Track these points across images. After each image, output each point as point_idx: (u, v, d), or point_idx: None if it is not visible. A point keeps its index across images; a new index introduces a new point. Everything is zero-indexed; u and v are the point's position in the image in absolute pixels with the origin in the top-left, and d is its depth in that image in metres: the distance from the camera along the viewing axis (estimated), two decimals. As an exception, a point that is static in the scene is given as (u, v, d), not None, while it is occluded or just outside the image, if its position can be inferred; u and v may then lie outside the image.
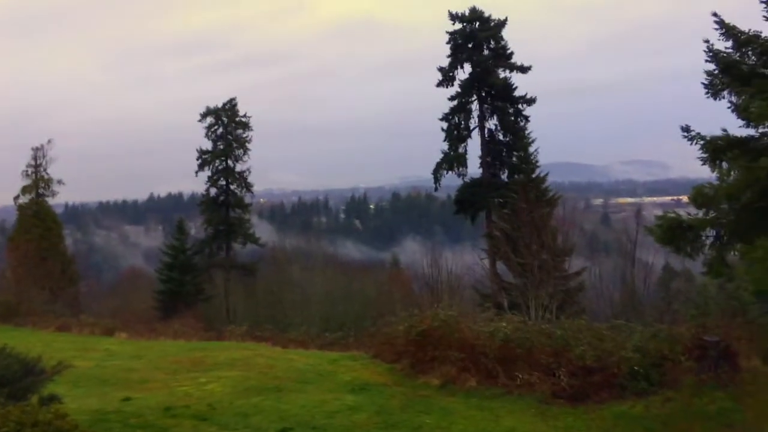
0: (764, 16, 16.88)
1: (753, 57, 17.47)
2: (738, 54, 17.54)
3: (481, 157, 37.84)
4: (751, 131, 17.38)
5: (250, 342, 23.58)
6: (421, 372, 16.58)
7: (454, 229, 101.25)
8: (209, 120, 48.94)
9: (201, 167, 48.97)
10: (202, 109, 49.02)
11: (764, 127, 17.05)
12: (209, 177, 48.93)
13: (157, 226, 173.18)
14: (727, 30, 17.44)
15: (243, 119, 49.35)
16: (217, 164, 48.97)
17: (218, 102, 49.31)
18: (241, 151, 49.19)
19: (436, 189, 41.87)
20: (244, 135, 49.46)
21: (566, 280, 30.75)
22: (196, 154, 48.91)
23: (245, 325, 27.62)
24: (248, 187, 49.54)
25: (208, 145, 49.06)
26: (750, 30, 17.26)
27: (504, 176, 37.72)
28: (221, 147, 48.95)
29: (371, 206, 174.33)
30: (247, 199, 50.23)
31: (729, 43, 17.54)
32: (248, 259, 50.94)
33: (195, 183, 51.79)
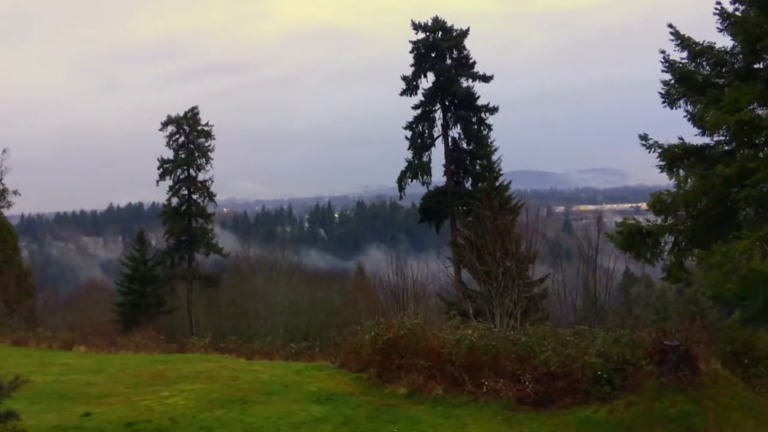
0: (718, 28, 17.41)
1: (707, 67, 18.00)
2: (693, 64, 18.06)
3: (445, 166, 38.08)
4: (706, 140, 17.88)
5: (214, 354, 23.21)
6: (388, 381, 16.54)
7: (418, 237, 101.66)
8: (171, 129, 48.27)
9: (162, 177, 48.21)
10: (164, 118, 48.39)
11: (719, 136, 17.55)
12: (171, 186, 48.20)
13: (116, 237, 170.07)
14: (683, 41, 17.94)
15: (205, 128, 48.82)
16: (178, 173, 48.29)
17: (180, 110, 48.76)
18: (204, 160, 48.60)
19: (400, 198, 41.95)
20: (207, 144, 48.91)
21: (530, 287, 31.04)
22: (157, 164, 48.20)
23: (208, 336, 27.15)
24: (211, 196, 48.94)
25: (169, 154, 48.44)
26: (704, 41, 17.81)
27: (468, 184, 38.01)
28: (183, 156, 48.29)
29: (336, 215, 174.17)
30: (210, 209, 49.63)
31: (684, 54, 18.06)
32: (211, 270, 50.26)
33: (156, 193, 51.27)
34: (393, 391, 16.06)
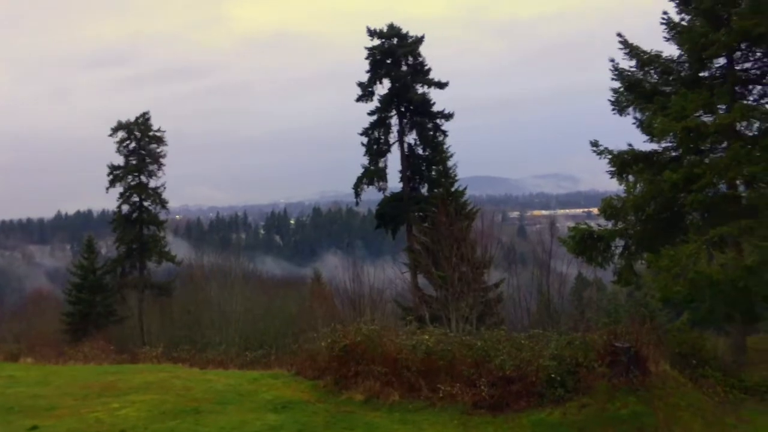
0: (665, 37, 17.95)
1: (655, 75, 18.54)
2: (641, 73, 18.58)
3: (401, 172, 38.19)
4: (654, 146, 18.41)
5: (167, 364, 22.70)
6: (345, 388, 16.44)
7: (375, 243, 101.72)
8: (121, 134, 47.22)
9: (112, 183, 47.11)
10: (114, 123, 47.32)
11: (666, 142, 18.07)
12: (121, 193, 47.12)
13: (64, 246, 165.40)
14: (631, 50, 18.43)
15: (157, 133, 47.91)
16: (129, 180, 47.24)
17: (131, 116, 47.76)
18: (156, 166, 47.68)
19: (357, 204, 41.90)
20: (159, 150, 47.99)
21: (485, 292, 31.31)
22: (107, 170, 47.08)
23: (161, 346, 26.55)
24: (163, 203, 48.01)
25: (120, 160, 47.35)
26: (652, 50, 18.34)
27: (424, 190, 38.16)
28: (134, 162, 47.29)
29: (291, 221, 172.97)
30: (162, 216, 48.64)
31: (633, 63, 18.57)
32: (163, 278, 49.26)
33: (106, 200, 50.06)
34: (350, 398, 15.96)
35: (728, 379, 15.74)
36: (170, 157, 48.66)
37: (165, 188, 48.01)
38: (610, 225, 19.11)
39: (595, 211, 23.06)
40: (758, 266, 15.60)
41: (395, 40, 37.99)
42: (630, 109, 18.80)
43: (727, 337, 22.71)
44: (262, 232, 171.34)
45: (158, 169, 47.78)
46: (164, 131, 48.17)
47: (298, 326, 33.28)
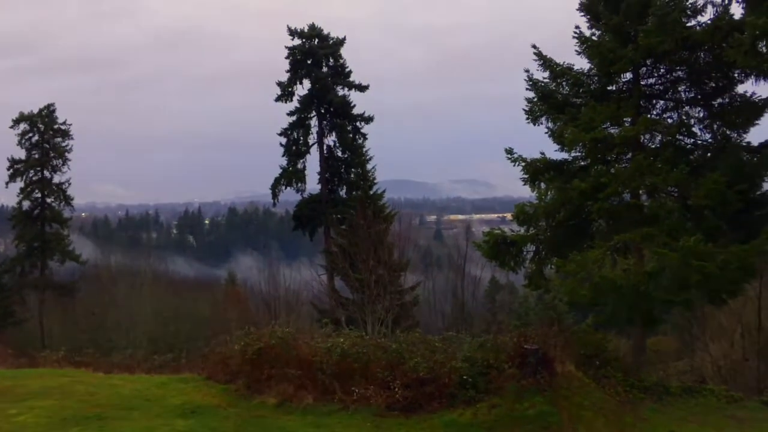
0: (576, 51, 18.66)
1: (566, 87, 19.24)
2: (554, 84, 19.23)
3: (319, 173, 38.04)
4: (565, 155, 19.10)
5: (69, 368, 21.53)
6: (257, 391, 16.14)
7: (292, 245, 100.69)
8: (23, 127, 44.75)
9: (12, 178, 44.62)
10: (15, 115, 44.74)
11: (576, 152, 18.80)
12: (22, 189, 44.68)
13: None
14: (545, 62, 19.06)
15: (62, 127, 45.67)
16: (31, 175, 44.86)
17: (34, 108, 45.29)
18: (60, 161, 45.44)
19: (274, 204, 41.41)
20: (64, 144, 45.78)
21: (402, 295, 31.61)
22: (7, 164, 44.51)
23: (63, 350, 25.20)
24: (67, 200, 45.82)
25: (21, 153, 44.86)
26: (564, 62, 19.03)
27: (342, 192, 38.18)
28: (36, 156, 44.92)
29: (206, 221, 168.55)
30: (66, 213, 46.43)
31: (546, 74, 19.19)
32: (67, 278, 46.98)
33: (5, 195, 47.13)
34: (262, 402, 15.68)
35: (629, 379, 16.50)
36: (76, 152, 46.50)
37: (70, 184, 45.88)
38: (522, 230, 19.66)
39: (509, 216, 23.73)
40: (657, 272, 16.45)
41: (316, 41, 37.86)
42: (543, 119, 19.40)
43: (628, 339, 23.89)
44: (174, 231, 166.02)
45: (63, 164, 45.62)
46: (70, 125, 46.04)
47: (211, 329, 32.46)
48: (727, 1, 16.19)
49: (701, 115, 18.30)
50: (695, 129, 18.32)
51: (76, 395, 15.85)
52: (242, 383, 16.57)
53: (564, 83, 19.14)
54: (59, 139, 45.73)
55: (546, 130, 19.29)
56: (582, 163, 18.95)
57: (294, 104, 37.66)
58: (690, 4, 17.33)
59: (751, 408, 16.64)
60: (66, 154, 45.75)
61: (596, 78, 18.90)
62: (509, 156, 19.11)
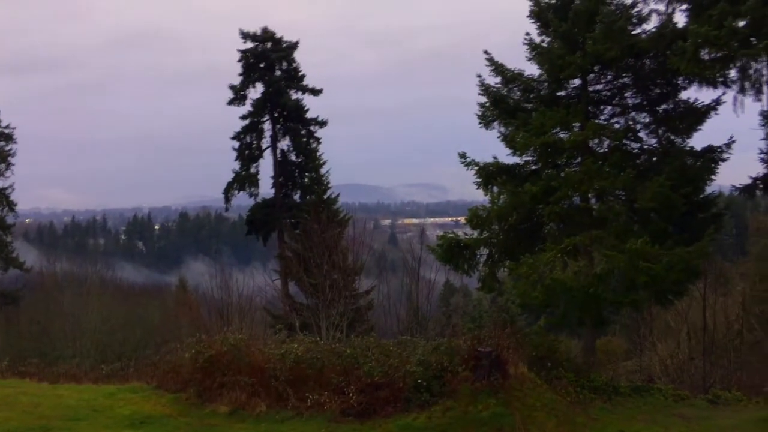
0: (527, 57, 18.95)
1: (518, 93, 19.52)
2: (506, 89, 19.48)
3: (273, 178, 37.66)
4: (516, 159, 19.35)
5: (12, 379, 20.78)
6: (209, 400, 15.85)
7: (245, 250, 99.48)
8: (-37, 129, 43.02)
9: (-49, 182, 42.81)
10: (-46, 116, 42.95)
11: (527, 156, 19.07)
12: (-38, 194, 42.90)
13: None
14: (496, 67, 19.30)
15: (5, 130, 43.98)
16: (-29, 179, 43.12)
17: (-26, 109, 43.56)
18: (3, 165, 43.75)
19: (226, 209, 40.75)
20: (7, 148, 44.04)
21: (356, 299, 31.48)
22: (-53, 168, 42.68)
23: (6, 360, 24.32)
24: (11, 205, 44.15)
25: (-39, 157, 43.05)
26: (515, 68, 19.30)
27: (296, 197, 37.86)
28: (-23, 160, 43.22)
29: (156, 227, 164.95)
30: (10, 219, 44.68)
31: (498, 79, 19.43)
32: (10, 286, 45.27)
33: (-57, 200, 44.98)
34: (214, 411, 15.41)
35: (579, 379, 16.79)
36: (21, 156, 44.85)
37: (14, 189, 44.21)
38: (475, 234, 19.83)
39: (462, 220, 23.92)
40: (606, 273, 16.78)
41: (269, 44, 37.48)
42: (495, 124, 19.62)
43: (579, 340, 24.33)
44: (123, 237, 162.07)
45: (6, 169, 43.86)
46: (14, 128, 44.38)
47: (161, 337, 31.77)
48: (670, 10, 16.67)
49: (647, 120, 18.79)
50: (641, 134, 18.81)
51: (19, 406, 15.34)
52: (193, 392, 16.25)
53: (515, 89, 19.41)
54: (2, 143, 44.07)
55: (498, 135, 19.52)
56: (533, 167, 19.23)
57: (247, 108, 37.20)
58: (635, 12, 17.80)
59: (697, 406, 17.14)
60: (9, 158, 44.14)
61: (546, 84, 19.22)
62: (463, 160, 19.27)
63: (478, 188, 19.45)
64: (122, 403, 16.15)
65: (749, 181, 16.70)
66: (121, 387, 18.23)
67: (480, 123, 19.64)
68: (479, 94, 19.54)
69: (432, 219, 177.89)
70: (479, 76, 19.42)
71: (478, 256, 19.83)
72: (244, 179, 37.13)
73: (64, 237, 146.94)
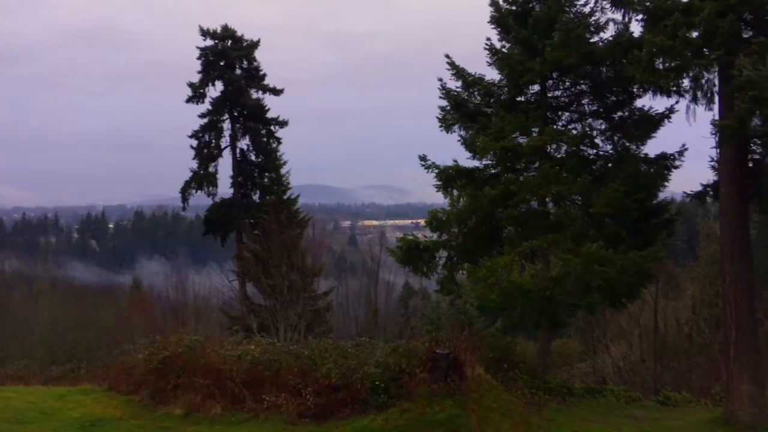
0: (487, 62, 19.14)
1: (478, 97, 19.68)
2: (466, 93, 19.62)
3: (232, 177, 37.20)
4: (476, 163, 19.50)
5: (-44, 381, 20.12)
6: (162, 402, 15.58)
7: (202, 250, 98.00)
8: None
9: None
10: None
11: (487, 160, 19.24)
12: None
13: None
14: (458, 71, 19.43)
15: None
16: None
17: None
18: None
19: (184, 208, 40.05)
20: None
21: (315, 301, 31.34)
22: None
23: (-51, 362, 23.57)
24: (-43, 201, 42.79)
25: None
26: (476, 73, 19.47)
27: (255, 197, 37.48)
28: None
29: (110, 225, 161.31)
30: (-45, 216, 43.33)
31: (459, 83, 19.56)
32: (-45, 285, 43.84)
33: None
34: (168, 413, 15.14)
35: (535, 381, 17.02)
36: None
37: (-40, 185, 42.89)
38: (435, 236, 19.91)
39: (422, 222, 24.01)
40: (562, 277, 17.05)
41: (229, 42, 37.04)
42: (456, 127, 19.73)
43: (535, 342, 24.67)
44: (75, 236, 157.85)
45: (-47, 164, 42.57)
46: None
47: (114, 338, 31.08)
48: (627, 20, 16.99)
49: (603, 127, 19.14)
50: (597, 140, 19.14)
51: (-38, 410, 14.79)
52: (146, 394, 15.97)
53: (476, 93, 19.56)
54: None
55: (459, 138, 19.64)
56: (493, 171, 19.40)
57: (206, 106, 36.63)
58: (593, 21, 18.13)
59: (648, 407, 17.55)
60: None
61: (506, 89, 19.41)
62: (423, 163, 19.33)
63: (438, 191, 19.54)
64: (72, 405, 15.78)
65: (700, 188, 17.13)
66: (71, 389, 17.79)
67: (441, 126, 19.73)
68: (440, 97, 19.65)
69: (392, 221, 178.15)
70: (440, 79, 19.53)
71: (438, 259, 19.93)
72: (202, 178, 36.58)
73: (14, 235, 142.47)
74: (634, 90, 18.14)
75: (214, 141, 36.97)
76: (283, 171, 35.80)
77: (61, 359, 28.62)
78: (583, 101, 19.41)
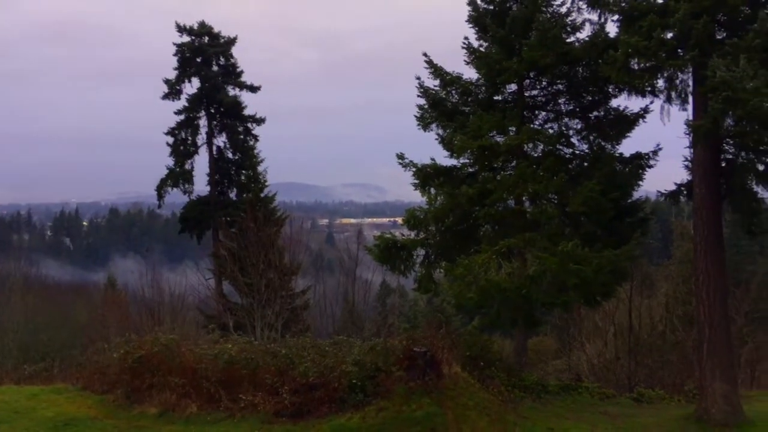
0: (465, 61, 19.19)
1: (456, 96, 19.73)
2: (444, 92, 19.66)
3: (208, 175, 36.86)
4: (454, 162, 19.55)
5: (-74, 381, 19.70)
6: (137, 401, 15.43)
7: (177, 248, 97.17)
8: None
9: None
10: None
11: (464, 159, 19.30)
12: None
13: None
14: (436, 70, 19.46)
15: None
16: None
17: None
18: None
19: (159, 206, 39.65)
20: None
21: (292, 299, 31.20)
22: None
23: None
24: (-73, 198, 41.91)
25: None
26: (454, 72, 19.51)
27: (232, 195, 37.18)
28: None
29: (84, 223, 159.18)
30: (-75, 213, 42.43)
31: (437, 82, 19.60)
32: (-75, 283, 42.86)
33: None
34: (143, 412, 14.99)
35: (511, 379, 17.15)
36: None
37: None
38: (412, 235, 19.94)
39: (400, 220, 24.02)
40: (538, 275, 17.16)
41: (206, 39, 36.67)
42: (433, 126, 19.76)
43: (511, 340, 24.84)
44: (49, 233, 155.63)
45: None
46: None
47: (88, 336, 30.66)
48: (603, 20, 17.15)
49: (579, 126, 19.32)
50: (573, 140, 19.32)
51: (-69, 411, 14.51)
52: (121, 393, 15.80)
53: (453, 92, 19.60)
54: None
55: (436, 137, 19.68)
56: (470, 170, 19.47)
57: (182, 103, 36.23)
58: (569, 21, 18.28)
59: (622, 404, 17.77)
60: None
61: (484, 88, 19.49)
62: (400, 161, 19.34)
63: (415, 189, 19.55)
64: (45, 404, 15.56)
65: (674, 188, 17.35)
66: (44, 388, 17.52)
67: (418, 125, 19.76)
68: (418, 96, 19.68)
69: (370, 219, 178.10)
70: (418, 78, 19.56)
71: (415, 257, 19.96)
72: (178, 176, 36.19)
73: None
74: (610, 90, 18.31)
75: (190, 138, 36.59)
76: (260, 168, 35.64)
77: (34, 358, 28.14)
78: (559, 101, 19.57)
